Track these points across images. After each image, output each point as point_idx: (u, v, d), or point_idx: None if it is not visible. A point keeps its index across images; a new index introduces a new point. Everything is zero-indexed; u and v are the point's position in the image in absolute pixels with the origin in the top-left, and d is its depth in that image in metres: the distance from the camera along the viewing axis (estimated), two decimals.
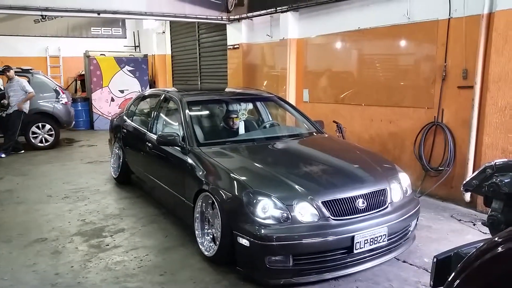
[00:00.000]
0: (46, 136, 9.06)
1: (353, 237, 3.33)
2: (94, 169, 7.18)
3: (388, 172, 3.96)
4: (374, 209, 3.54)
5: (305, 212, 3.31)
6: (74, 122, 9.92)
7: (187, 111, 4.63)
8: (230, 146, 4.36)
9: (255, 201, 3.31)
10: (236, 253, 3.40)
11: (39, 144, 8.98)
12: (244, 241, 3.28)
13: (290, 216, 3.26)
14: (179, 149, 4.31)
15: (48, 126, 9.07)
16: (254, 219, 3.26)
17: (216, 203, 3.59)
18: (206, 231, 3.87)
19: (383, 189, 3.67)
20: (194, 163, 4.05)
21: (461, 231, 4.50)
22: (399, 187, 3.83)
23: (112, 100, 11.95)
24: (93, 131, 11.59)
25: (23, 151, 8.51)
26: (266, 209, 3.28)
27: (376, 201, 3.59)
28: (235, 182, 3.53)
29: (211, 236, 3.78)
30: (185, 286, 3.35)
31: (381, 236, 3.47)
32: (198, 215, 3.93)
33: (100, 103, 11.92)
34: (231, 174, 3.62)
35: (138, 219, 4.78)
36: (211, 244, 3.74)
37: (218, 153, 4.15)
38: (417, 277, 3.50)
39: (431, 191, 5.56)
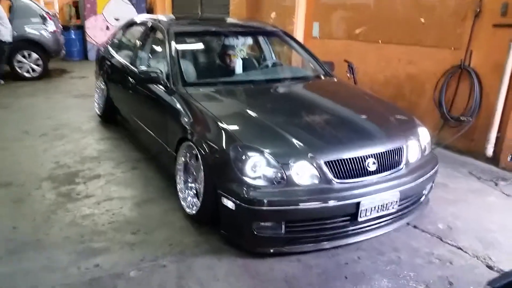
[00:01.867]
0: (33, 66, 8.40)
1: (358, 203, 2.80)
2: (80, 104, 6.61)
3: (405, 127, 3.34)
4: (386, 171, 2.98)
5: (304, 172, 2.75)
6: (64, 52, 9.23)
7: (173, 43, 3.93)
8: (222, 88, 3.70)
9: (244, 157, 2.74)
10: (220, 214, 2.90)
11: (26, 74, 8.35)
12: (229, 203, 2.76)
13: (285, 177, 2.70)
14: (163, 88, 3.69)
15: (35, 55, 8.38)
16: (242, 179, 2.71)
17: (199, 156, 3.04)
18: (189, 185, 3.35)
19: (398, 148, 3.07)
20: (178, 107, 3.44)
21: (481, 191, 3.96)
22: (417, 145, 3.23)
23: (107, 28, 11.11)
24: (87, 62, 10.90)
25: (3, 83, 7.88)
26: (257, 167, 2.72)
27: (390, 162, 3.01)
28: (222, 133, 2.94)
29: (195, 191, 3.27)
30: (159, 249, 2.89)
31: (391, 202, 2.94)
32: (180, 166, 3.40)
33: (94, 31, 11.10)
34: (219, 123, 3.02)
35: (117, 164, 4.27)
36: (195, 200, 3.24)
37: (207, 96, 3.53)
38: (429, 247, 3.01)
39: (448, 143, 4.96)
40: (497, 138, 4.49)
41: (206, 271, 2.68)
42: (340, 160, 2.82)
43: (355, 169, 2.86)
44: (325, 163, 2.77)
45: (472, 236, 3.17)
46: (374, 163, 2.91)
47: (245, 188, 2.69)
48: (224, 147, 2.85)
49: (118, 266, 2.71)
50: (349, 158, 2.84)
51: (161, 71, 3.68)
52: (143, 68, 3.95)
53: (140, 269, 2.69)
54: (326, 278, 2.65)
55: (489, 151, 4.54)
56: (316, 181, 2.74)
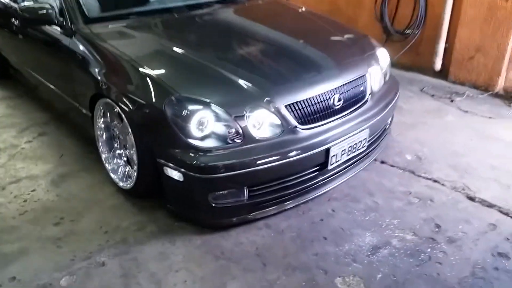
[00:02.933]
0: None
1: (328, 149, 2.36)
2: None
3: (364, 50, 2.85)
4: (352, 107, 2.54)
5: (262, 123, 2.21)
6: None
7: None
8: (136, 21, 2.88)
9: (185, 113, 2.12)
10: (164, 187, 2.33)
11: None
12: (175, 174, 2.18)
13: (241, 132, 2.15)
14: (59, 29, 2.83)
15: None
16: (187, 142, 2.12)
17: (124, 117, 2.36)
18: (117, 152, 2.69)
19: (361, 77, 2.62)
20: (82, 53, 2.64)
21: (438, 110, 3.71)
22: (379, 70, 2.80)
23: None
24: None
25: None
26: (204, 124, 2.13)
27: (354, 95, 2.57)
28: (149, 82, 2.26)
29: (125, 159, 2.64)
30: (93, 241, 2.29)
31: (361, 141, 2.54)
32: (101, 131, 2.70)
33: None
34: (142, 70, 2.32)
35: (20, 132, 3.42)
36: (127, 170, 2.61)
37: (120, 34, 2.74)
38: (404, 185, 2.71)
39: (393, 60, 4.62)
40: (445, 50, 4.21)
41: (159, 261, 2.16)
42: (302, 101, 2.31)
43: (320, 110, 2.38)
44: (285, 107, 2.25)
45: (443, 164, 2.91)
46: (339, 99, 2.44)
47: (192, 154, 2.12)
48: (155, 103, 2.19)
49: (43, 274, 2.09)
50: (312, 98, 2.34)
51: (51, 6, 2.79)
52: (26, 3, 2.99)
53: (73, 273, 2.10)
54: (302, 243, 2.25)
55: (438, 64, 4.28)
56: (278, 132, 2.23)
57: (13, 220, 2.45)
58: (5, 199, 2.63)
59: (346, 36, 3.04)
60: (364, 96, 2.62)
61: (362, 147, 2.59)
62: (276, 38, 2.88)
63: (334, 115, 2.43)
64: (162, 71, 2.33)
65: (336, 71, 2.54)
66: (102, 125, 2.69)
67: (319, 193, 2.49)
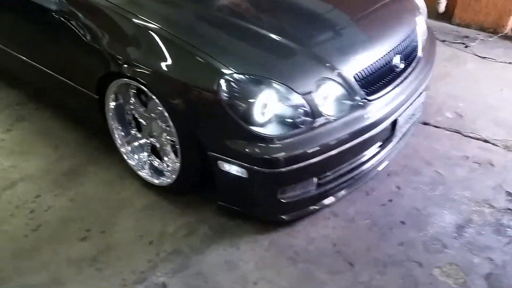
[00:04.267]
0: None
1: (395, 121, 2.08)
2: None
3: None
4: (410, 66, 2.24)
5: (331, 98, 1.86)
6: None
7: None
8: None
9: (244, 95, 1.72)
10: (217, 184, 1.95)
11: None
12: (235, 169, 1.81)
13: (309, 112, 1.79)
14: None
15: None
16: (249, 130, 1.73)
17: (160, 103, 1.90)
18: (138, 142, 2.24)
19: (413, 30, 2.31)
20: (81, 19, 2.06)
21: (456, 58, 3.50)
22: (422, 20, 2.49)
23: None
24: None
25: None
26: (267, 107, 1.74)
27: (411, 52, 2.27)
28: (193, 57, 1.79)
29: (149, 150, 2.21)
30: (140, 255, 1.91)
31: (419, 105, 2.28)
32: (114, 118, 2.21)
33: None
34: (180, 41, 1.83)
35: (1, 123, 2.80)
36: (157, 163, 2.19)
37: None
38: (456, 148, 2.52)
39: None
40: None
41: (228, 272, 1.83)
42: (367, 67, 1.97)
43: (384, 75, 2.06)
44: (354, 76, 1.91)
45: (485, 121, 2.74)
46: (401, 59, 2.13)
47: (258, 144, 1.74)
48: (205, 84, 1.75)
49: None
50: (376, 62, 2.00)
51: None
52: None
53: None
54: (380, 231, 2.02)
55: (442, 6, 4.02)
56: (347, 107, 1.89)
57: (26, 239, 1.99)
58: (5, 211, 2.13)
59: None
60: (417, 52, 2.33)
61: (419, 112, 2.34)
62: (324, 4, 2.39)
63: (397, 79, 2.12)
64: (206, 42, 1.85)
65: (391, 29, 2.20)
66: (114, 110, 2.20)
67: (381, 169, 2.23)
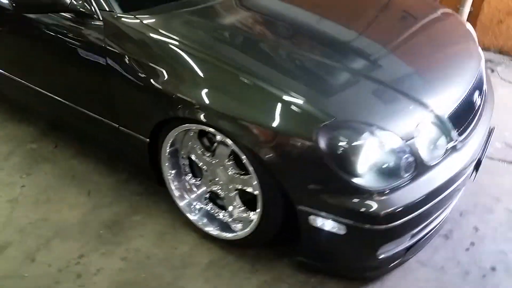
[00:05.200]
0: None
1: (480, 159, 1.95)
2: None
3: (465, 29, 2.40)
4: (482, 100, 2.12)
5: (430, 142, 1.69)
6: None
7: None
8: (195, 10, 2.01)
9: (348, 144, 1.53)
10: (304, 239, 1.73)
11: None
12: (331, 226, 1.60)
13: (413, 159, 1.62)
14: (75, 24, 1.93)
15: None
16: (351, 182, 1.53)
17: (242, 152, 1.67)
18: (197, 193, 2.00)
19: (480, 62, 2.19)
20: (135, 55, 1.81)
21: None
22: (478, 48, 2.39)
23: None
24: None
25: None
26: (370, 156, 1.56)
27: (481, 84, 2.15)
28: (282, 102, 1.58)
29: (205, 199, 1.98)
30: None
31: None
32: (169, 169, 1.96)
33: None
34: (263, 83, 1.62)
35: (5, 159, 2.45)
36: (220, 216, 1.96)
37: (187, 26, 1.93)
38: None
39: None
40: (469, 14, 3.92)
41: None
42: (458, 105, 1.82)
43: (466, 112, 1.92)
44: (448, 118, 1.75)
45: None
46: (479, 93, 2.01)
47: (361, 198, 1.55)
48: (300, 133, 1.55)
49: None
50: (462, 100, 1.87)
51: None
52: None
53: None
54: (475, 280, 1.86)
55: None
56: (443, 150, 1.73)
57: None
58: (48, 278, 1.82)
59: (441, 18, 2.48)
60: (484, 85, 2.21)
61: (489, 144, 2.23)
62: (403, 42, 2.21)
63: (476, 115, 1.99)
64: (299, 86, 1.65)
65: (468, 62, 2.08)
66: (171, 160, 1.95)
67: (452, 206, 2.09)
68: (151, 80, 1.76)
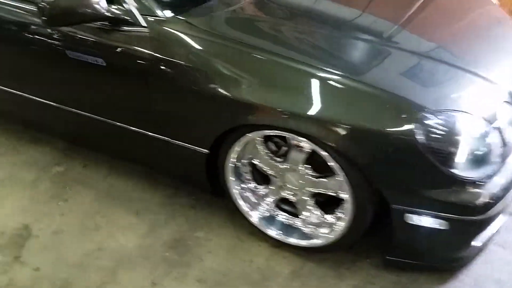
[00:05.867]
0: None
1: None
2: None
3: None
4: None
5: (509, 121, 1.64)
6: None
7: None
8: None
9: (447, 133, 1.45)
10: (397, 238, 1.66)
11: None
12: (430, 222, 1.54)
13: (502, 143, 1.56)
14: (117, 32, 1.75)
15: None
16: (451, 175, 1.47)
17: (329, 155, 1.56)
18: (266, 199, 1.89)
19: None
20: (192, 61, 1.66)
21: None
22: None
23: None
24: None
25: None
26: (467, 144, 1.49)
27: None
28: (376, 99, 1.49)
29: (276, 205, 1.88)
30: None
31: None
32: (234, 179, 1.85)
33: None
34: (340, 77, 1.51)
35: (49, 192, 2.26)
36: (293, 223, 1.86)
37: (243, 25, 1.82)
38: None
39: None
40: None
41: None
42: None
43: None
44: None
45: None
46: None
47: (464, 189, 1.49)
48: (398, 127, 1.45)
49: None
50: None
51: None
52: None
53: None
54: None
55: None
56: None
57: None
58: None
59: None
60: None
61: None
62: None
63: None
64: (386, 78, 1.55)
65: None
66: (235, 171, 1.83)
67: None
68: (215, 88, 1.63)
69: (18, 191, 2.25)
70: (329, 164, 1.58)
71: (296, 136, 1.58)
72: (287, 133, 1.59)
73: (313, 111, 1.51)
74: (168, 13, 1.72)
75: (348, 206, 1.64)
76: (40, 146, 2.51)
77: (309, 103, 1.51)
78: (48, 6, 1.64)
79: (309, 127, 1.52)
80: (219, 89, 1.62)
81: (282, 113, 1.53)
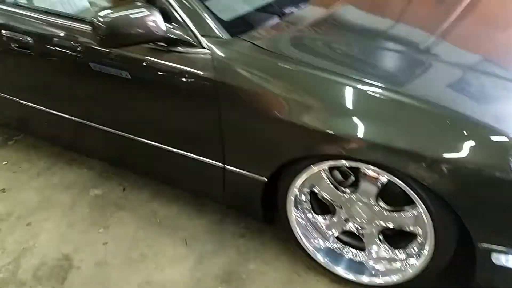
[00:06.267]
0: None
1: None
2: None
3: None
4: None
5: None
6: None
7: None
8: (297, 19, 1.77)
9: None
10: (480, 277, 1.52)
11: None
12: None
13: None
14: (173, 53, 1.64)
15: None
16: None
17: (412, 190, 1.44)
18: (329, 232, 1.76)
19: None
20: (259, 88, 1.54)
21: None
22: None
23: None
24: None
25: None
26: None
27: None
28: (464, 132, 1.33)
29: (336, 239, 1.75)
30: None
31: None
32: (295, 211, 1.72)
33: None
34: (446, 112, 1.37)
35: (88, 218, 2.14)
36: (361, 258, 1.73)
37: (309, 45, 1.70)
38: None
39: None
40: None
41: None
42: None
43: None
44: None
45: None
46: None
47: None
48: (492, 162, 1.31)
49: None
50: None
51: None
52: (107, 11, 1.62)
53: None
54: None
55: None
56: None
57: None
58: None
59: None
60: None
61: None
62: None
63: None
64: (462, 104, 1.42)
65: None
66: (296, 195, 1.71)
67: None
68: (285, 114, 1.51)
69: (56, 216, 2.14)
70: (410, 197, 1.46)
71: (375, 168, 1.46)
72: (365, 164, 1.47)
73: (394, 141, 1.38)
74: (228, 34, 1.62)
75: (425, 241, 1.51)
76: (75, 167, 2.41)
77: (393, 133, 1.39)
78: (104, 25, 1.53)
79: (389, 159, 1.39)
80: (290, 116, 1.49)
81: (365, 143, 1.40)
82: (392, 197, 1.55)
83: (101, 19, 1.54)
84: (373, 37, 1.77)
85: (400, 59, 1.69)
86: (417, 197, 1.44)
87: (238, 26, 1.65)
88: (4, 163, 2.47)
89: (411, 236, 1.60)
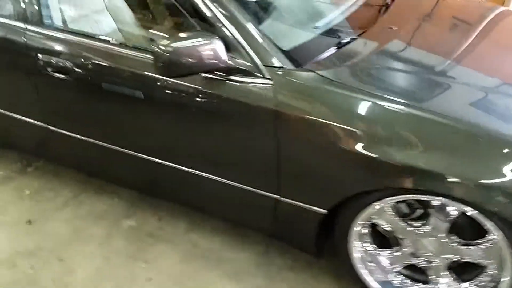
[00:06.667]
0: None
1: None
2: None
3: None
4: None
5: None
6: None
7: None
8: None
9: None
10: None
11: None
12: None
13: None
14: (233, 82, 1.58)
15: None
16: None
17: (494, 226, 1.40)
18: (391, 267, 1.71)
19: None
20: (324, 119, 1.48)
21: None
22: None
23: None
24: None
25: None
26: None
27: None
28: None
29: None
30: None
31: None
32: (357, 245, 1.67)
33: None
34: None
35: (125, 252, 2.03)
36: None
37: (377, 75, 1.67)
38: None
39: None
40: None
41: None
42: None
43: None
44: None
45: None
46: None
47: None
48: None
49: None
50: None
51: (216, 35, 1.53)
52: (178, 39, 1.52)
53: None
54: None
55: None
56: None
57: None
58: None
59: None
60: None
61: None
62: None
63: None
64: None
65: None
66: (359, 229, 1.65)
67: None
68: (355, 146, 1.46)
69: (89, 251, 2.02)
70: (483, 227, 1.42)
71: (453, 202, 1.41)
72: (441, 198, 1.43)
73: (485, 176, 1.34)
74: (290, 63, 1.57)
75: (500, 272, 1.47)
76: (105, 196, 2.29)
77: (479, 169, 1.35)
78: (166, 53, 1.47)
79: (478, 194, 1.35)
80: (361, 148, 1.45)
81: (445, 178, 1.36)
82: (463, 230, 1.52)
83: (162, 47, 1.47)
84: (439, 72, 1.73)
85: (469, 93, 1.65)
86: (497, 227, 1.40)
87: (298, 55, 1.60)
88: (27, 192, 2.33)
89: (478, 267, 1.57)
